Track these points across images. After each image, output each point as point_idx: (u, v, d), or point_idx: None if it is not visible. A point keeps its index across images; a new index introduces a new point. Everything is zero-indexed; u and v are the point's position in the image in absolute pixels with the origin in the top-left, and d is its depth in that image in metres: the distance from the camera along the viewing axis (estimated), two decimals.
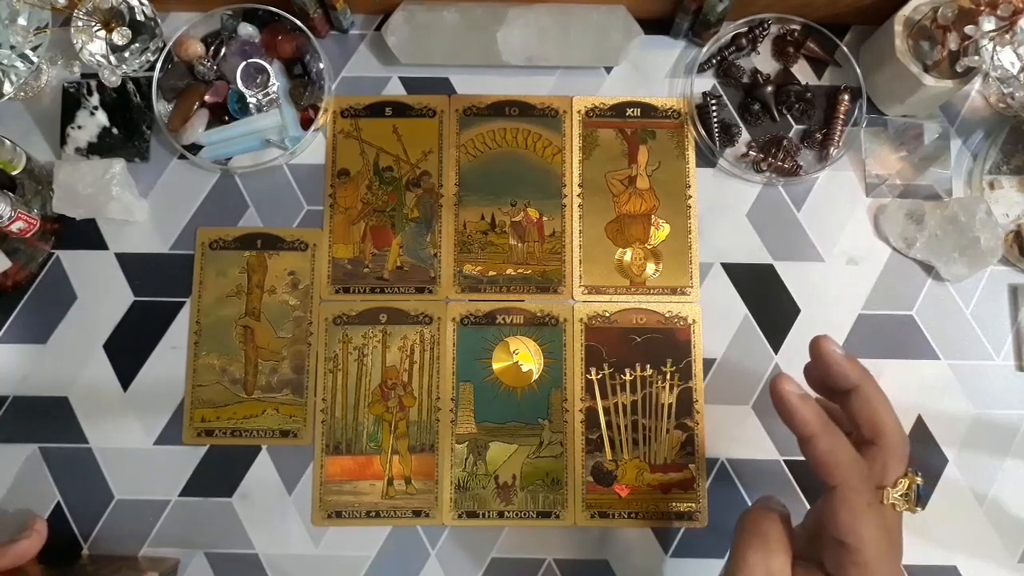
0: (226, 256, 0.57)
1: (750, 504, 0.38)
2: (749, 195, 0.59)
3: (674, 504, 0.55)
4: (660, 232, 0.58)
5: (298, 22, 0.57)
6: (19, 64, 0.53)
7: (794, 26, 0.60)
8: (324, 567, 0.54)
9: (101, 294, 0.57)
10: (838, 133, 0.58)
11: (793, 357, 0.56)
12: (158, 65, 0.57)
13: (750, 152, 0.58)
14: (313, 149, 0.59)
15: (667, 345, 0.56)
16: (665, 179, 0.59)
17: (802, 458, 0.55)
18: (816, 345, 0.39)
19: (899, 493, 0.37)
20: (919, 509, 0.37)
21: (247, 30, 0.58)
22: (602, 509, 0.54)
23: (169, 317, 0.57)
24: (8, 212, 0.51)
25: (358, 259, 0.58)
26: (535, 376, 0.56)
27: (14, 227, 0.52)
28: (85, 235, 0.58)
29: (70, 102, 0.58)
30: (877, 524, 0.35)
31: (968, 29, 0.50)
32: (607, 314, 0.57)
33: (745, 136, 0.59)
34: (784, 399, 0.37)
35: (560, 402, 0.56)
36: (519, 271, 0.58)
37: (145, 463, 0.55)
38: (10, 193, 0.53)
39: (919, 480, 0.38)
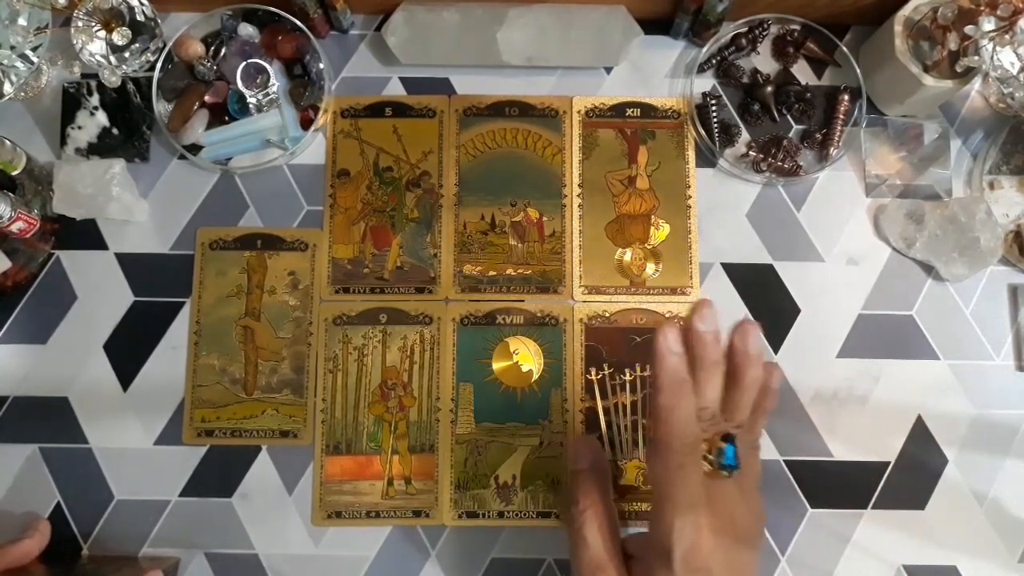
0: (226, 256, 0.57)
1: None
2: (749, 195, 0.59)
3: None
4: (660, 232, 0.58)
5: (298, 22, 0.57)
6: (19, 64, 0.53)
7: (794, 26, 0.60)
8: (324, 567, 0.54)
9: (101, 294, 0.57)
10: (838, 133, 0.58)
11: (793, 357, 0.56)
12: (158, 65, 0.57)
13: (750, 152, 0.58)
14: (313, 149, 0.59)
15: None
16: (665, 179, 0.59)
17: (802, 458, 0.55)
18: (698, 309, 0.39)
19: (704, 454, 0.38)
20: (725, 473, 0.38)
21: (247, 30, 0.58)
22: None
23: (169, 317, 0.57)
24: (8, 212, 0.51)
25: (358, 259, 0.58)
26: (535, 376, 0.56)
27: (14, 227, 0.52)
28: (85, 235, 0.58)
29: (70, 102, 0.58)
30: (689, 490, 0.37)
31: (968, 29, 0.50)
32: (607, 314, 0.57)
33: (745, 136, 0.59)
34: (657, 348, 0.38)
35: (560, 402, 0.56)
36: (519, 271, 0.58)
37: (145, 463, 0.55)
38: (10, 193, 0.53)
39: (720, 445, 0.38)
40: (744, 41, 0.60)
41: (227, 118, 0.58)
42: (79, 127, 0.58)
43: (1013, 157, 0.58)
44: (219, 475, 0.55)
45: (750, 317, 0.42)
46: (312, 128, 0.57)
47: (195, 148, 0.57)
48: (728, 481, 0.38)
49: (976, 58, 0.50)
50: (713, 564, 0.37)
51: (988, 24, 0.49)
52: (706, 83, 0.60)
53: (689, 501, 0.37)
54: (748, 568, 0.40)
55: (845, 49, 0.59)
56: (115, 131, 0.58)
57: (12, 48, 0.52)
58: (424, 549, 0.54)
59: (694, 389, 0.38)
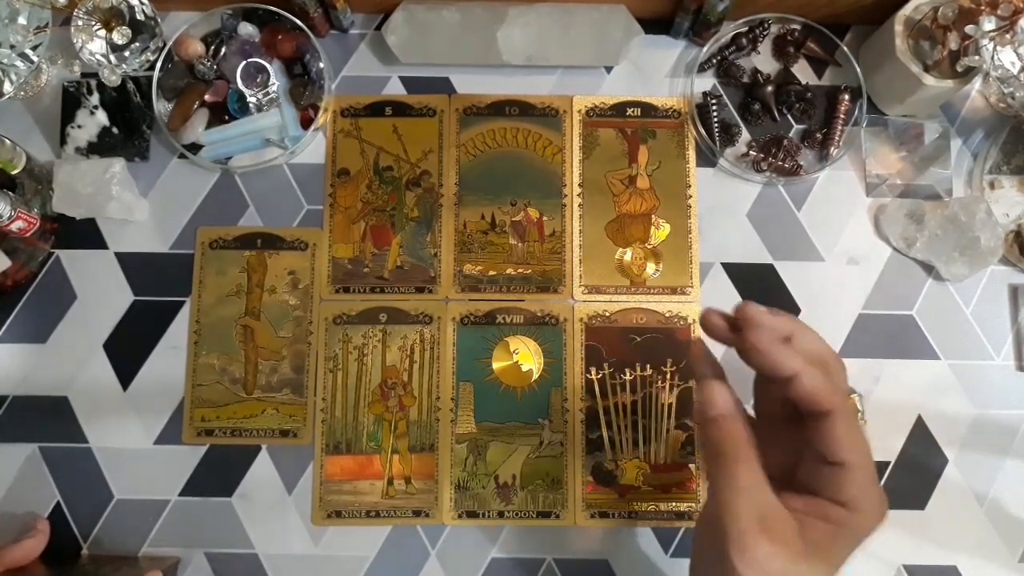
0: (226, 256, 0.57)
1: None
2: (749, 195, 0.59)
3: (674, 504, 0.55)
4: (660, 232, 0.58)
5: (298, 21, 0.57)
6: (19, 63, 0.53)
7: (794, 26, 0.60)
8: (324, 567, 0.54)
9: (101, 294, 0.57)
10: (838, 133, 0.58)
11: None
12: (158, 64, 0.57)
13: (750, 152, 0.58)
14: (313, 149, 0.59)
15: (667, 345, 0.56)
16: (665, 179, 0.59)
17: None
18: (742, 312, 0.36)
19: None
20: (866, 424, 0.37)
21: (247, 29, 0.58)
22: (602, 509, 0.54)
23: (169, 317, 0.57)
24: (8, 211, 0.51)
25: (358, 259, 0.58)
26: (535, 376, 0.56)
27: (14, 226, 0.52)
28: (85, 235, 0.58)
29: (70, 101, 0.58)
30: (866, 440, 0.34)
31: (968, 29, 0.50)
32: (607, 314, 0.57)
33: (745, 136, 0.59)
34: (756, 343, 0.35)
35: (560, 402, 0.56)
36: (519, 271, 0.58)
37: (145, 463, 0.55)
38: (10, 193, 0.53)
39: (857, 395, 0.40)
40: (744, 41, 0.60)
41: (227, 117, 0.58)
42: (79, 126, 0.58)
43: (1013, 157, 0.58)
44: (219, 475, 0.55)
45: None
46: (312, 127, 0.57)
47: (195, 147, 0.57)
48: None
49: (976, 58, 0.50)
50: None
51: (988, 24, 0.49)
52: (706, 83, 0.60)
53: (871, 455, 0.35)
54: None
55: (845, 49, 0.59)
56: (115, 130, 0.58)
57: (12, 47, 0.52)
58: (424, 549, 0.54)
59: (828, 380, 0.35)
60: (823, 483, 0.35)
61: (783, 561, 0.32)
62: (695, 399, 0.38)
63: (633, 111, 0.60)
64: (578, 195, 0.59)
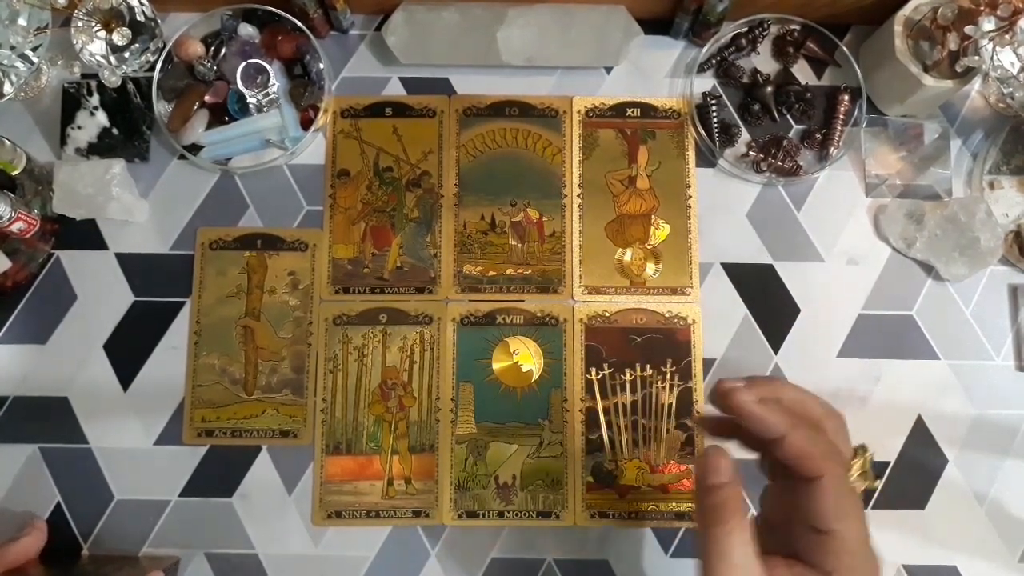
0: (226, 256, 0.57)
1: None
2: (749, 195, 0.59)
3: (674, 504, 0.55)
4: (660, 232, 0.58)
5: (298, 22, 0.57)
6: (19, 64, 0.53)
7: (794, 26, 0.60)
8: (324, 567, 0.54)
9: (101, 294, 0.57)
10: (838, 133, 0.58)
11: (793, 357, 0.56)
12: (158, 65, 0.57)
13: (750, 152, 0.58)
14: (313, 149, 0.59)
15: (667, 345, 0.56)
16: (665, 179, 0.59)
17: None
18: (723, 392, 0.37)
19: (857, 473, 0.37)
20: (879, 483, 0.37)
21: (247, 30, 0.58)
22: (602, 509, 0.54)
23: (169, 317, 0.57)
24: (8, 212, 0.51)
25: (358, 259, 0.58)
26: (535, 376, 0.56)
27: (14, 227, 0.52)
28: (85, 235, 0.58)
29: (70, 102, 0.58)
30: (858, 508, 0.35)
31: (968, 29, 0.50)
32: (607, 314, 0.57)
33: (745, 136, 0.59)
34: (742, 407, 0.36)
35: (560, 402, 0.56)
36: (519, 271, 0.58)
37: (145, 463, 0.55)
38: (10, 193, 0.53)
39: (870, 455, 0.37)
40: (744, 41, 0.60)
41: (227, 118, 0.58)
42: (79, 127, 0.58)
43: (1013, 157, 0.58)
44: (219, 475, 0.55)
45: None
46: (312, 128, 0.57)
47: (195, 148, 0.57)
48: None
49: (976, 58, 0.50)
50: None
51: (988, 24, 0.49)
52: (706, 83, 0.60)
53: (863, 524, 0.35)
54: None
55: (845, 49, 0.59)
56: (115, 131, 0.58)
57: (12, 48, 0.52)
58: (424, 549, 0.54)
59: (823, 444, 0.36)
60: (810, 550, 0.35)
61: None
62: (695, 464, 0.41)
63: (633, 111, 0.60)
64: (578, 195, 0.59)
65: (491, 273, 0.58)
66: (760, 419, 0.36)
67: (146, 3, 0.54)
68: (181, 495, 0.54)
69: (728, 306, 0.57)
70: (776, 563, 0.35)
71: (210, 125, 0.58)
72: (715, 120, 0.58)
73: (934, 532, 0.54)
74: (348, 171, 0.59)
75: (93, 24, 0.53)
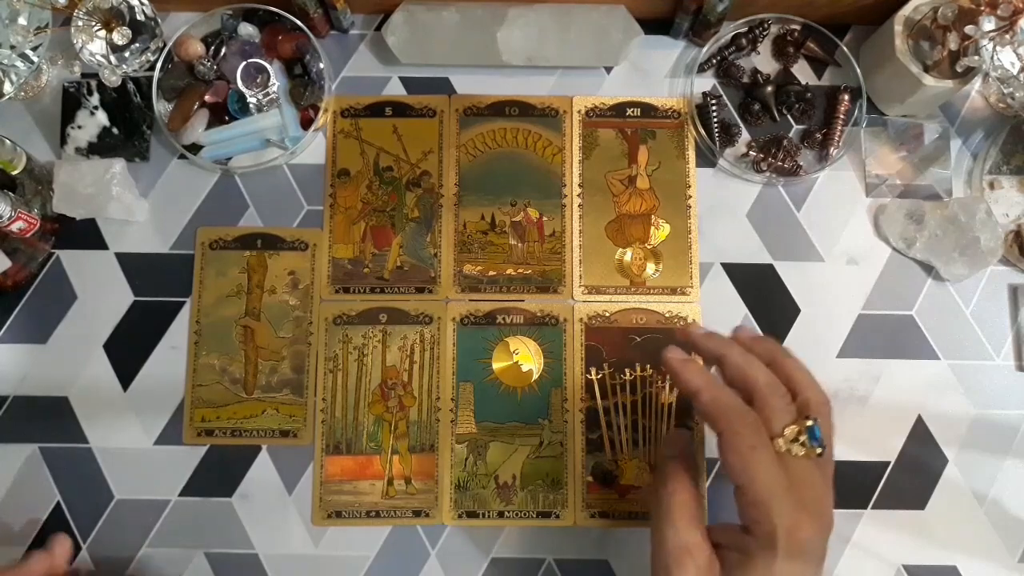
0: (226, 256, 0.57)
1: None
2: (749, 195, 0.59)
3: None
4: (660, 232, 0.58)
5: (298, 22, 0.57)
6: (19, 64, 0.53)
7: (794, 26, 0.60)
8: (324, 567, 0.54)
9: (101, 294, 0.57)
10: (838, 133, 0.58)
11: None
12: (158, 65, 0.57)
13: (750, 152, 0.58)
14: (313, 149, 0.59)
15: (667, 345, 0.56)
16: (665, 179, 0.59)
17: None
18: (682, 334, 0.45)
19: (790, 439, 0.39)
20: (818, 451, 0.39)
21: (247, 30, 0.58)
22: (602, 509, 0.54)
23: (169, 317, 0.57)
24: (8, 212, 0.51)
25: (358, 259, 0.58)
26: (535, 376, 0.56)
27: (14, 227, 0.52)
28: (85, 235, 0.58)
29: (70, 102, 0.58)
30: (768, 466, 0.38)
31: (968, 29, 0.50)
32: (607, 314, 0.57)
33: (745, 136, 0.59)
34: (668, 363, 0.42)
35: (560, 402, 0.56)
36: (519, 271, 0.58)
37: (145, 463, 0.55)
38: (10, 193, 0.53)
39: (808, 423, 0.39)
40: (744, 41, 0.60)
41: (227, 118, 0.58)
42: (79, 127, 0.58)
43: (1013, 157, 0.58)
44: (219, 475, 0.55)
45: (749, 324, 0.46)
46: (312, 128, 0.57)
47: (195, 148, 0.57)
48: (813, 468, 0.39)
49: (976, 58, 0.50)
50: (813, 540, 0.38)
51: (988, 24, 0.49)
52: (706, 83, 0.60)
53: (774, 481, 0.38)
54: (824, 551, 0.39)
55: (845, 49, 0.59)
56: (115, 131, 0.58)
57: (12, 48, 0.52)
58: (424, 549, 0.54)
59: (746, 379, 0.41)
60: (737, 508, 0.39)
61: None
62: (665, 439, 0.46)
63: (633, 111, 0.60)
64: (578, 195, 0.59)
65: (491, 273, 0.58)
66: (676, 374, 0.42)
67: (146, 3, 0.54)
68: (181, 495, 0.54)
69: (728, 306, 0.57)
70: (722, 529, 0.40)
71: (210, 125, 0.58)
72: (715, 120, 0.58)
73: (934, 532, 0.54)
74: (348, 171, 0.59)
75: (93, 24, 0.53)
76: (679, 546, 0.39)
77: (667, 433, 0.46)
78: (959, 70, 0.53)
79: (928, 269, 0.58)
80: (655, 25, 0.60)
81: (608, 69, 0.61)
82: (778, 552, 0.37)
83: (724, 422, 0.39)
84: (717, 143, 0.58)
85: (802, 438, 0.39)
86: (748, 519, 0.38)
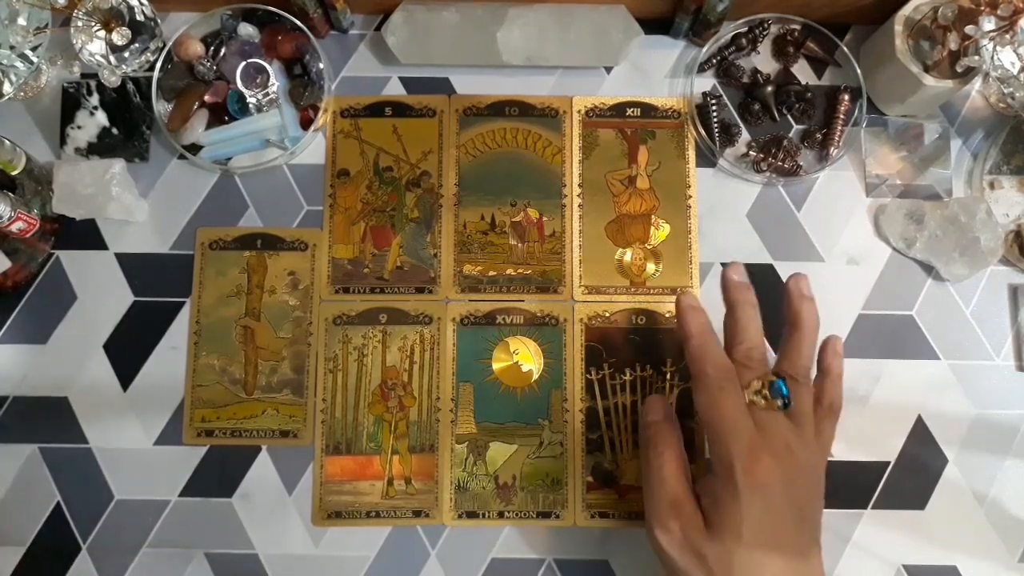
0: (226, 256, 0.57)
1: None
2: (749, 195, 0.59)
3: None
4: (660, 232, 0.58)
5: (298, 22, 0.57)
6: (19, 64, 0.53)
7: (794, 26, 0.60)
8: (324, 567, 0.54)
9: (101, 294, 0.57)
10: (838, 133, 0.58)
11: None
12: (158, 65, 0.57)
13: (750, 152, 0.58)
14: (313, 149, 0.59)
15: (667, 345, 0.56)
16: (665, 179, 0.59)
17: None
18: (730, 270, 0.48)
19: (754, 390, 0.43)
20: (779, 405, 0.43)
21: (247, 30, 0.58)
22: (602, 509, 0.54)
23: (169, 317, 0.57)
24: (8, 212, 0.51)
25: (358, 259, 0.58)
26: (535, 376, 0.56)
27: (14, 227, 0.52)
28: (85, 235, 0.58)
29: (70, 102, 0.58)
30: (734, 406, 0.42)
31: (968, 29, 0.50)
32: (607, 314, 0.57)
33: (745, 136, 0.59)
34: (678, 304, 0.47)
35: (560, 402, 0.56)
36: (519, 271, 0.58)
37: (145, 463, 0.55)
38: (10, 193, 0.53)
39: (772, 378, 0.43)
40: (744, 41, 0.60)
41: (227, 118, 0.58)
42: (79, 127, 0.58)
43: (1013, 157, 0.58)
44: (219, 475, 0.55)
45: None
46: (312, 128, 0.57)
47: (195, 148, 0.57)
48: (781, 417, 0.43)
49: (976, 58, 0.50)
50: (773, 481, 0.40)
51: (988, 24, 0.49)
52: (706, 83, 0.60)
53: (738, 419, 0.41)
54: (809, 504, 0.43)
55: (845, 49, 0.59)
56: (115, 131, 0.58)
57: (12, 48, 0.52)
58: (424, 549, 0.54)
59: (737, 333, 0.46)
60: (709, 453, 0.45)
61: (687, 533, 0.41)
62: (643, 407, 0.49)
63: (633, 111, 0.60)
64: (578, 195, 0.59)
65: (491, 273, 0.58)
66: (680, 316, 0.47)
67: (146, 3, 0.54)
68: (181, 495, 0.54)
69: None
70: (707, 482, 0.43)
71: (210, 125, 0.58)
72: (715, 120, 0.58)
73: (934, 532, 0.54)
74: (348, 171, 0.59)
75: (93, 24, 0.53)
76: (667, 501, 0.43)
77: (645, 402, 0.48)
78: (959, 70, 0.53)
79: (928, 269, 0.58)
80: (655, 25, 0.60)
81: (608, 69, 0.61)
82: (738, 489, 0.40)
83: (701, 365, 0.44)
84: (717, 143, 0.58)
85: (764, 391, 0.43)
86: (714, 457, 0.42)
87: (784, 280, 0.57)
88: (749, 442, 0.40)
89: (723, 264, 0.58)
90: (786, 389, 0.43)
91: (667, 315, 0.57)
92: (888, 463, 0.55)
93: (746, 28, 0.60)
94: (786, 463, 0.41)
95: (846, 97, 0.58)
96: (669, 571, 0.43)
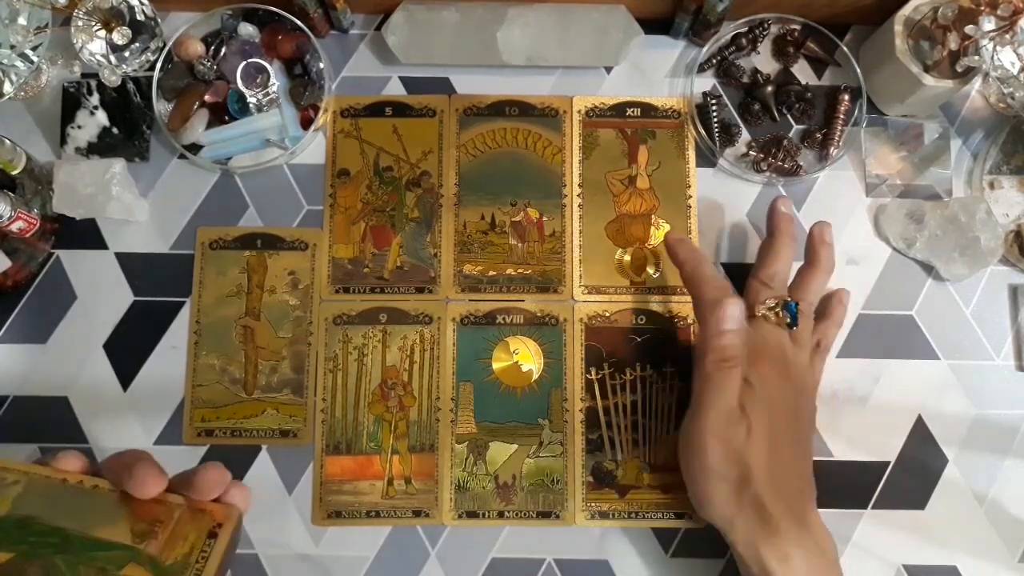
0: (226, 256, 0.57)
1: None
2: (749, 195, 0.59)
3: (674, 504, 0.54)
4: (660, 232, 0.58)
5: (298, 22, 0.57)
6: (19, 64, 0.53)
7: (794, 26, 0.60)
8: (324, 567, 0.54)
9: (101, 294, 0.57)
10: (838, 133, 0.58)
11: None
12: (158, 65, 0.57)
13: (750, 152, 0.58)
14: (313, 149, 0.59)
15: (667, 345, 0.56)
16: (665, 179, 0.59)
17: None
18: (781, 203, 0.53)
19: (768, 307, 0.48)
20: (788, 322, 0.48)
21: (247, 30, 0.58)
22: (602, 509, 0.54)
23: (169, 317, 0.57)
24: (8, 212, 0.51)
25: (358, 259, 0.58)
26: (535, 376, 0.56)
27: (14, 227, 0.52)
28: (85, 235, 0.58)
29: (70, 102, 0.58)
30: (734, 316, 0.45)
31: (968, 29, 0.50)
32: (607, 314, 0.57)
33: (745, 136, 0.59)
34: (666, 240, 0.51)
35: (560, 402, 0.56)
36: (519, 271, 0.58)
37: None
38: (10, 193, 0.53)
39: (787, 298, 0.48)
40: (744, 41, 0.60)
41: (227, 118, 0.58)
42: (79, 126, 0.58)
43: (1013, 157, 0.58)
44: None
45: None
46: (312, 128, 0.57)
47: (195, 148, 0.57)
48: (784, 334, 0.47)
49: (976, 58, 0.50)
50: (771, 383, 0.46)
51: (988, 24, 0.49)
52: (706, 83, 0.60)
53: (739, 323, 0.45)
54: (799, 418, 0.47)
55: (845, 49, 0.59)
56: (115, 131, 0.58)
57: (12, 47, 0.52)
58: (424, 549, 0.54)
59: (768, 256, 0.50)
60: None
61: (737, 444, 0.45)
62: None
63: (633, 111, 0.60)
64: (578, 195, 0.59)
65: (491, 273, 0.58)
66: (669, 248, 0.51)
67: (146, 2, 0.54)
68: None
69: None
70: None
71: (210, 125, 0.58)
72: (715, 120, 0.58)
73: (934, 532, 0.54)
74: (348, 171, 0.59)
75: (93, 23, 0.53)
76: (726, 413, 0.45)
77: (723, 305, 0.46)
78: (959, 70, 0.53)
79: (928, 269, 0.58)
80: (655, 25, 0.60)
81: (608, 69, 0.61)
82: (705, 370, 0.46)
83: (699, 286, 0.47)
84: (717, 143, 0.58)
85: (778, 308, 0.47)
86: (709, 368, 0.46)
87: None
88: (751, 347, 0.45)
89: (723, 264, 0.58)
90: (796, 311, 0.47)
91: (667, 315, 0.57)
92: (888, 463, 0.55)
93: (746, 28, 0.60)
94: (783, 371, 0.46)
95: (846, 97, 0.58)
96: (712, 485, 0.45)
